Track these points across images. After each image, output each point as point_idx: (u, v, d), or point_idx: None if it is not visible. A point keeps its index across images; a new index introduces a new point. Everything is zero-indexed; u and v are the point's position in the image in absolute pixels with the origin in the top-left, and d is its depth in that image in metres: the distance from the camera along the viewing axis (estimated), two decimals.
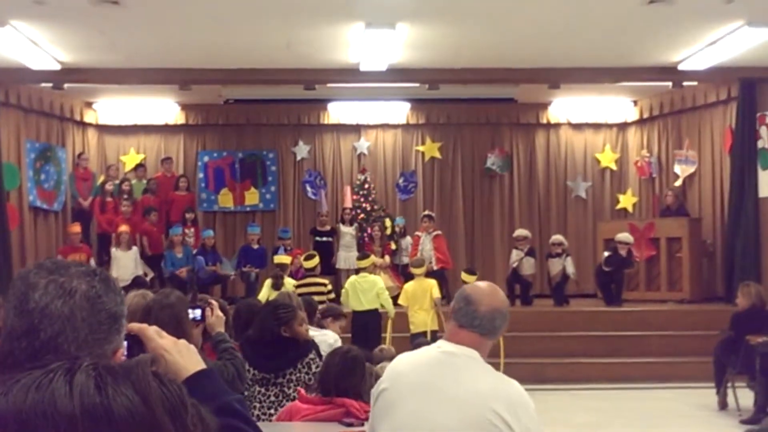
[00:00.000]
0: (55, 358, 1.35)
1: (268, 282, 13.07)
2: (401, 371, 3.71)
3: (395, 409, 3.60)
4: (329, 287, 12.88)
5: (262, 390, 6.16)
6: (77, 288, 1.91)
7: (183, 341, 2.28)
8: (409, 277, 15.63)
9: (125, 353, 2.10)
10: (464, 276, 13.57)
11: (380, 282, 13.03)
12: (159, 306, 4.84)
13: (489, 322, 3.61)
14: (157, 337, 2.24)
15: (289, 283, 12.87)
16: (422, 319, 12.76)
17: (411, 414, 3.54)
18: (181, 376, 2.17)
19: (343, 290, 13.18)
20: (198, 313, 4.97)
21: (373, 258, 13.80)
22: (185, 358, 2.23)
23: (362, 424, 4.86)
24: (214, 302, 5.36)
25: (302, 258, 13.67)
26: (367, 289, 12.86)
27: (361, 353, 5.74)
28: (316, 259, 13.40)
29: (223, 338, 5.32)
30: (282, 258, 13.75)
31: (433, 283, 13.17)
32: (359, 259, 14.07)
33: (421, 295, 12.92)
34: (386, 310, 12.80)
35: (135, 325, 2.22)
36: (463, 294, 3.69)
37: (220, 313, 5.33)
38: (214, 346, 5.15)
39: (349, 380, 5.39)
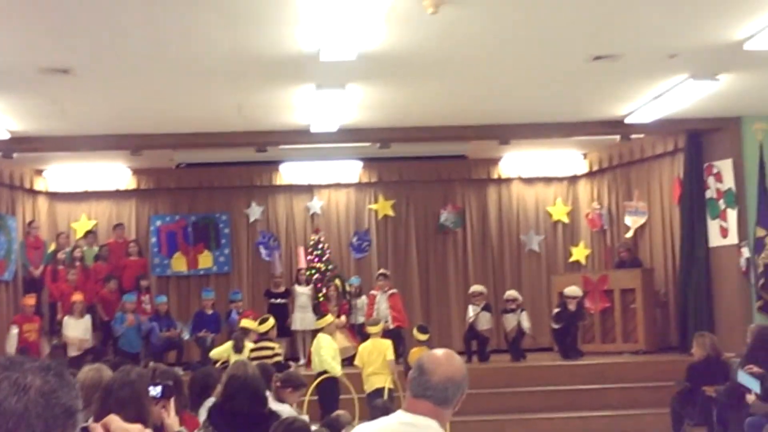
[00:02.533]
0: None
1: (228, 344, 12.98)
2: None
3: None
4: (276, 350, 12.77)
5: None
6: (31, 384, 1.89)
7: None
8: (366, 336, 15.60)
9: None
10: (416, 334, 13.59)
11: (322, 341, 12.93)
12: (119, 384, 4.77)
13: (441, 392, 3.58)
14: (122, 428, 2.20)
15: (251, 347, 12.78)
16: (378, 379, 12.69)
17: None
18: None
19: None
20: (159, 390, 4.92)
21: (329, 317, 13.72)
22: None
23: None
24: (171, 404, 5.23)
25: (257, 322, 13.57)
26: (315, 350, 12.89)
27: (306, 424, 5.65)
28: (269, 323, 13.28)
29: None
30: (249, 323, 13.58)
31: (388, 344, 13.08)
32: (317, 319, 13.99)
33: (377, 356, 12.86)
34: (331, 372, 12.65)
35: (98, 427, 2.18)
36: (418, 363, 3.67)
37: (175, 416, 5.25)
38: None
39: None
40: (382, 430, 3.69)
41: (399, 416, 3.65)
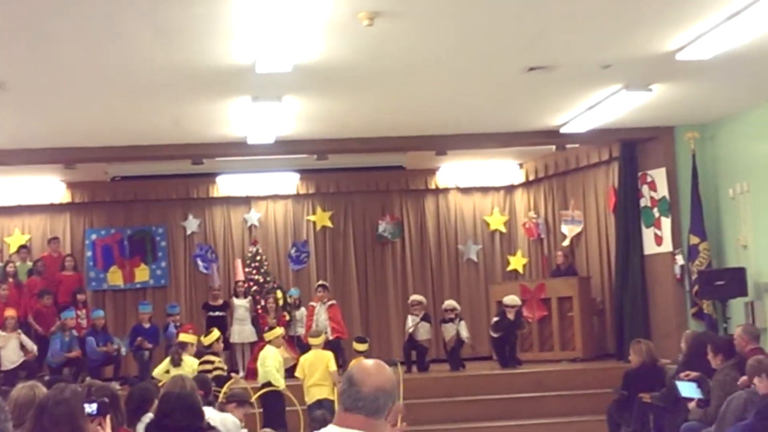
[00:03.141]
0: None
1: (167, 360, 12.84)
2: None
3: None
4: (216, 364, 12.68)
5: None
6: None
7: None
8: (306, 348, 15.55)
9: None
10: (356, 345, 13.55)
11: (268, 353, 12.85)
12: (53, 402, 4.69)
13: (372, 402, 3.52)
14: None
15: (190, 361, 12.63)
16: (319, 390, 12.65)
17: None
18: None
19: None
20: (94, 407, 4.86)
21: (279, 330, 13.61)
22: None
23: None
24: (107, 421, 5.17)
25: (203, 335, 13.46)
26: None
27: None
28: (213, 335, 13.18)
29: None
30: (186, 336, 13.39)
31: (329, 356, 13.06)
32: (266, 331, 13.85)
33: (318, 367, 12.82)
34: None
35: None
36: (347, 375, 3.61)
37: None
38: None
39: None
40: None
41: (330, 430, 3.61)
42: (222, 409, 8.14)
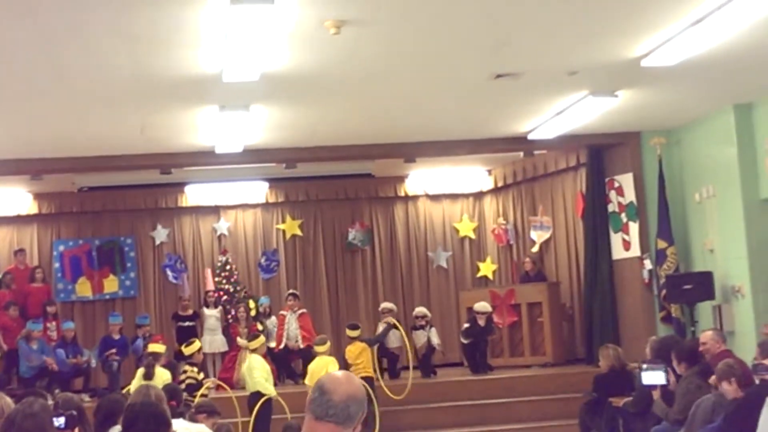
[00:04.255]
0: None
1: (140, 372, 12.71)
2: None
3: None
4: (188, 374, 12.59)
5: None
6: None
7: None
8: (276, 356, 15.57)
9: None
10: (348, 332, 14.33)
11: (255, 362, 12.83)
12: (22, 416, 4.66)
13: (343, 411, 3.53)
14: None
15: (160, 372, 12.51)
16: None
17: None
18: None
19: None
20: (62, 421, 4.86)
21: (262, 338, 13.62)
22: None
23: None
24: None
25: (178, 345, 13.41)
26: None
27: None
28: (195, 345, 13.09)
29: None
30: (156, 347, 13.27)
31: (331, 360, 13.23)
32: (249, 340, 13.80)
33: (322, 373, 12.84)
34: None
35: None
36: (318, 384, 3.63)
37: None
38: None
39: None
40: None
41: None
42: (193, 420, 8.07)
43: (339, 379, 3.66)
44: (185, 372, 12.63)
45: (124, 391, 13.29)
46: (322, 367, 12.96)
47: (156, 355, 12.94)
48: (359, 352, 14.12)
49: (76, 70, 9.71)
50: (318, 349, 13.50)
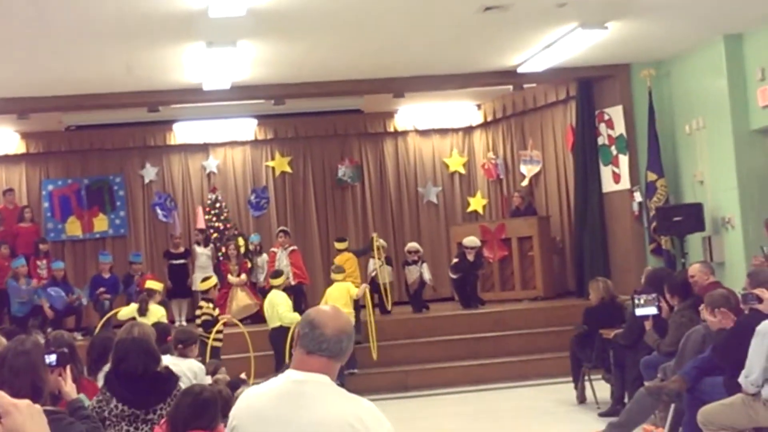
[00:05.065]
0: None
1: (133, 306, 12.78)
2: (252, 406, 3.65)
3: None
4: (204, 310, 12.67)
5: (131, 429, 5.93)
6: None
7: (37, 407, 2.19)
8: (267, 293, 15.57)
9: None
10: (337, 244, 15.45)
11: (277, 298, 13.06)
12: (14, 353, 4.66)
13: (336, 345, 3.57)
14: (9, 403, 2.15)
15: (155, 309, 12.55)
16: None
17: None
18: None
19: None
20: (53, 358, 4.87)
21: (284, 276, 13.98)
22: (36, 422, 2.14)
23: None
24: (67, 371, 5.16)
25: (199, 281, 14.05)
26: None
27: (215, 394, 5.60)
28: (211, 281, 13.23)
29: (81, 405, 5.15)
30: (153, 284, 13.36)
31: (349, 285, 13.81)
32: (272, 278, 13.92)
33: (340, 297, 13.31)
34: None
35: None
36: (307, 319, 3.65)
37: (72, 383, 5.18)
38: (72, 414, 4.95)
39: (198, 422, 5.28)
40: (272, 392, 3.64)
41: (289, 375, 3.62)
42: (183, 355, 8.00)
43: (328, 313, 3.69)
44: (201, 308, 12.78)
45: (110, 314, 13.49)
46: (338, 292, 13.54)
47: (151, 292, 12.99)
48: (346, 260, 14.92)
49: (60, 7, 9.59)
50: (336, 277, 13.93)
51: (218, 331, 12.26)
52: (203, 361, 10.94)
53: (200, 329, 11.95)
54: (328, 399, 3.52)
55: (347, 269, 14.45)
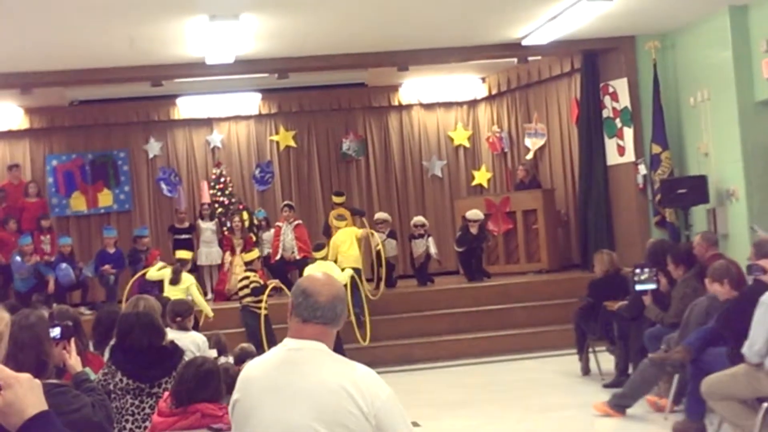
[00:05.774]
0: None
1: (167, 272, 13.25)
2: (251, 378, 3.70)
3: (251, 419, 3.59)
4: (251, 278, 13.35)
5: (136, 402, 5.96)
6: None
7: (37, 381, 2.21)
8: (271, 267, 15.65)
9: None
10: (334, 198, 15.91)
11: (332, 269, 12.86)
12: (18, 327, 4.66)
13: (331, 311, 3.63)
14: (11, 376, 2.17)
15: (185, 277, 13.12)
16: (353, 256, 14.23)
17: (267, 419, 3.54)
18: (25, 414, 2.11)
19: None
20: (57, 331, 4.89)
21: (326, 249, 14.03)
22: (35, 395, 2.16)
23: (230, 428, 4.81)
24: (72, 345, 5.17)
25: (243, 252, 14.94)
26: None
27: (216, 365, 5.63)
28: (254, 253, 14.28)
29: (86, 377, 5.17)
30: (183, 253, 14.41)
31: (353, 228, 15.01)
32: (314, 251, 14.11)
33: (347, 239, 14.27)
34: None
35: None
36: (300, 288, 3.69)
37: (77, 356, 5.19)
38: (77, 387, 4.97)
39: (201, 393, 5.31)
40: (270, 361, 3.70)
41: (286, 344, 3.68)
42: (183, 327, 7.99)
43: (321, 280, 3.73)
44: (248, 277, 13.39)
45: (139, 275, 14.23)
46: (345, 236, 14.26)
47: (183, 261, 13.87)
48: (340, 213, 15.48)
49: None
50: (339, 224, 14.56)
51: (270, 294, 13.16)
52: (259, 331, 12.21)
53: (249, 298, 12.98)
54: (323, 365, 3.56)
55: (345, 221, 15.21)
